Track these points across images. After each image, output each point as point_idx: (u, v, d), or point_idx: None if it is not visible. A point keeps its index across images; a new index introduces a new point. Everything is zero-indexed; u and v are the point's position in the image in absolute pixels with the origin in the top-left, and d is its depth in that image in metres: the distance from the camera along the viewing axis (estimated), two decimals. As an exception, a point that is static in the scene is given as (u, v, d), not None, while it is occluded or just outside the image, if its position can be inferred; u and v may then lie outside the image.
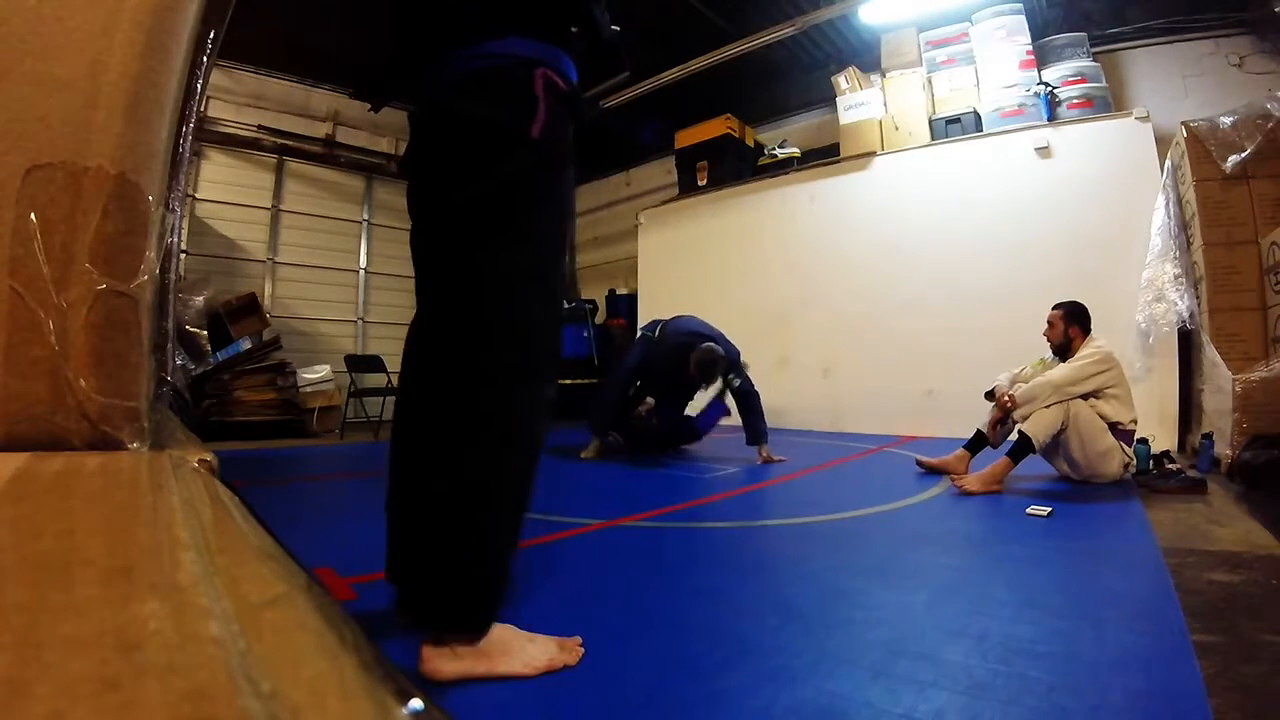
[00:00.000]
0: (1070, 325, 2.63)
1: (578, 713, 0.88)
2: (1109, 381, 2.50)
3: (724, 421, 3.83)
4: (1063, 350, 2.63)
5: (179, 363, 3.91)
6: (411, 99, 1.08)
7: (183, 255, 5.08)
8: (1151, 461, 2.60)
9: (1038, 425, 2.41)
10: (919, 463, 2.87)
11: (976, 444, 2.73)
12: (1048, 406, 2.43)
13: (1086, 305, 2.67)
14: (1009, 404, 2.56)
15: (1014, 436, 2.54)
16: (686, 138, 5.95)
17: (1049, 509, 2.05)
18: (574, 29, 1.04)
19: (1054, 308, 2.69)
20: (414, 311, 1.04)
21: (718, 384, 3.44)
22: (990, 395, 2.71)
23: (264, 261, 5.88)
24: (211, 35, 1.46)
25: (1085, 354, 2.54)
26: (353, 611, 0.61)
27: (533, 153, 0.97)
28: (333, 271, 6.36)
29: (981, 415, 2.76)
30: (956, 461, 2.71)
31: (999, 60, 4.53)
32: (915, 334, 4.55)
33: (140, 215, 0.62)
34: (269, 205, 5.93)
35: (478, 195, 0.96)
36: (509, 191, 0.96)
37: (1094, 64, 4.29)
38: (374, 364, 5.15)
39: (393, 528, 1.02)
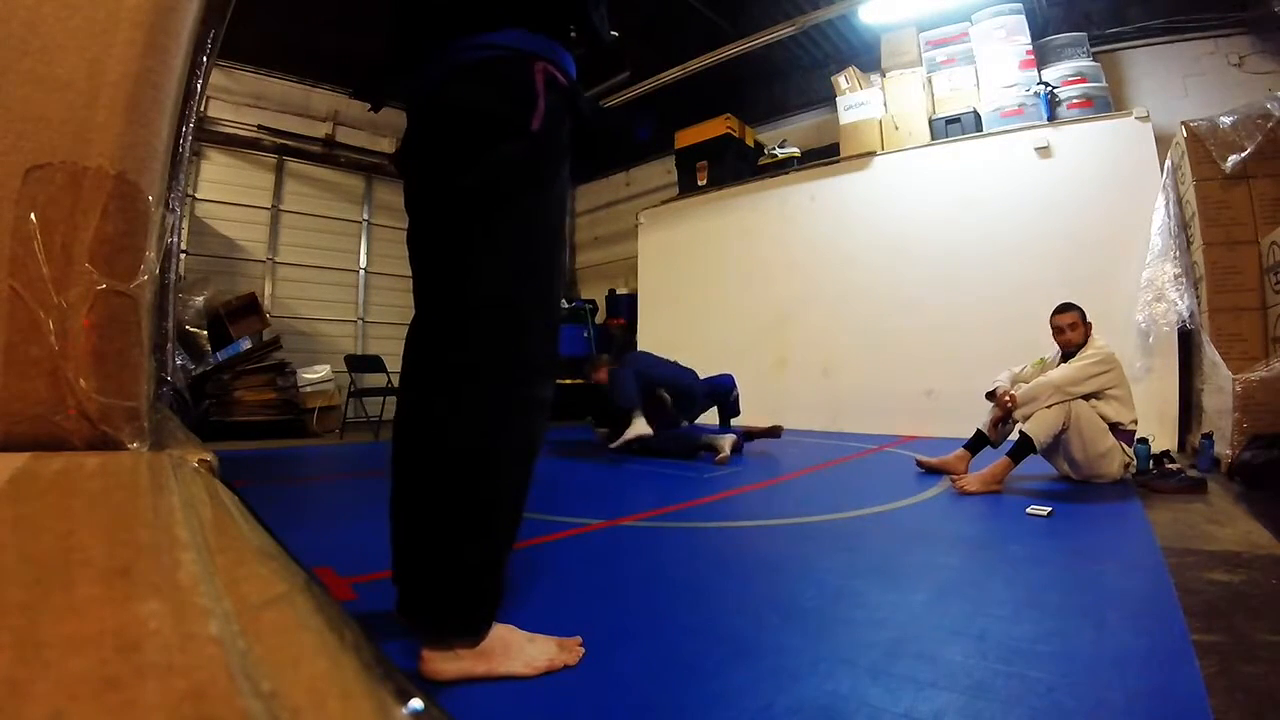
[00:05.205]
0: (1088, 326, 2.62)
1: (578, 713, 0.88)
2: (1111, 382, 2.49)
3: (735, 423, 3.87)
4: (1077, 351, 2.61)
5: (179, 363, 3.91)
6: (407, 91, 1.06)
7: (183, 255, 5.08)
8: (1151, 461, 2.60)
9: (1039, 425, 2.41)
10: (919, 462, 2.87)
11: (977, 444, 2.73)
12: (1049, 406, 2.43)
13: (1085, 306, 2.66)
14: (1010, 404, 2.55)
15: (1014, 436, 2.54)
16: (686, 138, 5.95)
17: (1049, 509, 2.05)
18: (572, 32, 1.04)
19: (1068, 310, 2.64)
20: (413, 311, 1.03)
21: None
22: (991, 395, 2.70)
23: (264, 261, 5.88)
24: (211, 35, 1.46)
25: (1089, 354, 2.53)
26: (353, 611, 0.61)
27: (531, 145, 0.96)
28: (333, 271, 6.36)
29: (981, 415, 2.76)
30: (956, 461, 2.71)
31: (999, 60, 4.53)
32: (915, 334, 4.55)
33: (140, 215, 0.62)
34: (269, 205, 5.93)
35: (474, 185, 0.95)
36: (505, 183, 0.95)
37: (1094, 64, 4.29)
38: (374, 364, 5.15)
39: (394, 528, 1.02)
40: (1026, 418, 2.46)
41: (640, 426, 3.27)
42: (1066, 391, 2.44)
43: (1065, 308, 2.66)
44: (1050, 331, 2.70)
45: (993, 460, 2.46)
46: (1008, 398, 2.56)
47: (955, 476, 2.53)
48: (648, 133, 6.41)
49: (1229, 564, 1.51)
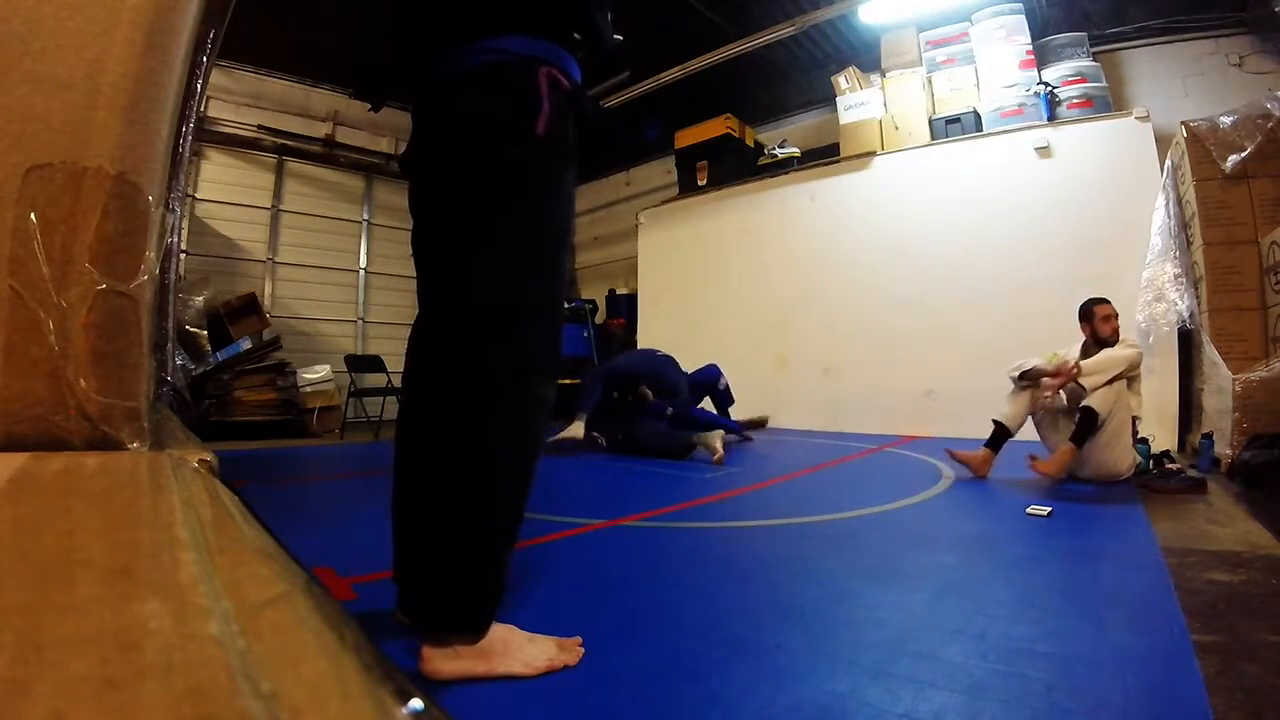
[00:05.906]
0: None
1: (578, 712, 0.88)
2: (1139, 373, 2.56)
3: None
4: (1112, 341, 2.62)
5: (179, 363, 3.91)
6: (411, 96, 1.07)
7: (183, 255, 5.08)
8: (1151, 461, 2.60)
9: (1099, 401, 2.42)
10: (948, 452, 2.84)
11: (997, 440, 2.68)
12: (1110, 383, 2.43)
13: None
14: (1075, 371, 2.47)
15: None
16: (686, 138, 5.95)
17: (1049, 509, 2.05)
18: (576, 35, 1.04)
19: (1108, 301, 2.67)
20: (414, 311, 1.04)
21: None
22: (1025, 375, 2.61)
23: (264, 261, 5.88)
24: (211, 35, 1.46)
25: (1133, 343, 2.59)
26: (353, 611, 0.61)
27: (536, 150, 0.97)
28: (333, 271, 6.36)
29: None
30: (980, 465, 2.67)
31: (999, 60, 4.53)
32: (915, 333, 4.55)
33: (140, 215, 0.62)
34: (269, 205, 5.93)
35: (479, 189, 0.96)
36: (510, 187, 0.96)
37: (1094, 64, 4.29)
38: (374, 364, 5.15)
39: (395, 526, 1.02)
40: (1096, 387, 2.43)
41: (573, 430, 3.55)
42: (1133, 368, 2.48)
43: (1103, 299, 2.69)
44: (1077, 325, 2.74)
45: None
46: (1074, 366, 2.48)
47: (1035, 461, 2.47)
48: (655, 134, 6.42)
49: (1229, 564, 1.51)
